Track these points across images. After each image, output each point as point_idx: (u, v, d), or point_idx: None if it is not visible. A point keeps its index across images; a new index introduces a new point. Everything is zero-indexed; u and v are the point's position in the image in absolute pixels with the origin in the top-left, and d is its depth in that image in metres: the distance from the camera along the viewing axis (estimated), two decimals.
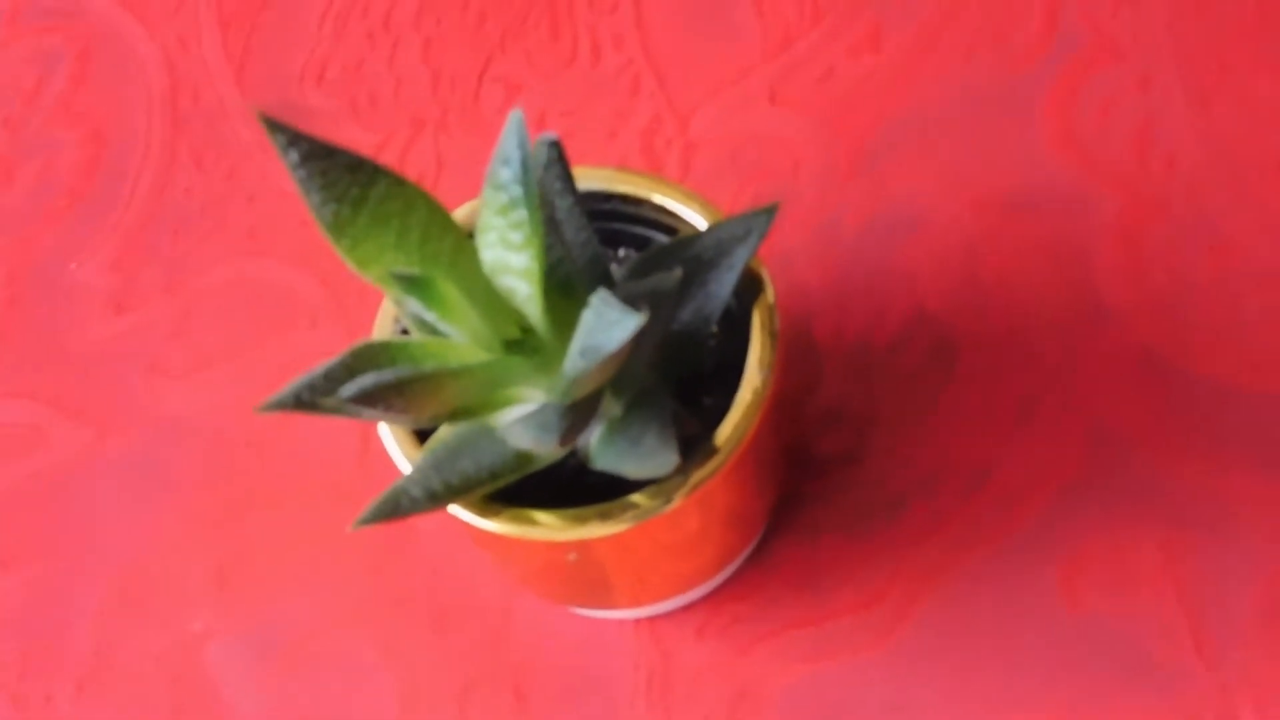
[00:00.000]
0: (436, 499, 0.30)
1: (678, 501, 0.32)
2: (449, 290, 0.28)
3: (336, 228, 0.28)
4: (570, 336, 0.29)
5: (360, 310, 0.44)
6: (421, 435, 0.33)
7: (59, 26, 0.50)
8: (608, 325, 0.25)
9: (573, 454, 0.33)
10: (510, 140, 0.26)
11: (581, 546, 0.32)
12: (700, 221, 0.34)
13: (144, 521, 0.42)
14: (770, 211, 0.32)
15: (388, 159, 0.46)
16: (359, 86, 0.47)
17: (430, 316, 0.28)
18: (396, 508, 0.30)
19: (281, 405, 0.27)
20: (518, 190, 0.26)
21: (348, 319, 0.44)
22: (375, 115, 0.47)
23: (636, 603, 0.37)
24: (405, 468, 0.33)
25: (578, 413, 0.29)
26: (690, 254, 0.32)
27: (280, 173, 0.46)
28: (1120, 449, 0.38)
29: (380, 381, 0.25)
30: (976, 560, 0.38)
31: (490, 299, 0.29)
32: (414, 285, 0.27)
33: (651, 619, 0.39)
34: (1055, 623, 0.37)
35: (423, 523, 0.41)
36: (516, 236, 0.27)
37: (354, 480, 0.42)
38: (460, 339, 0.29)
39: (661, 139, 0.44)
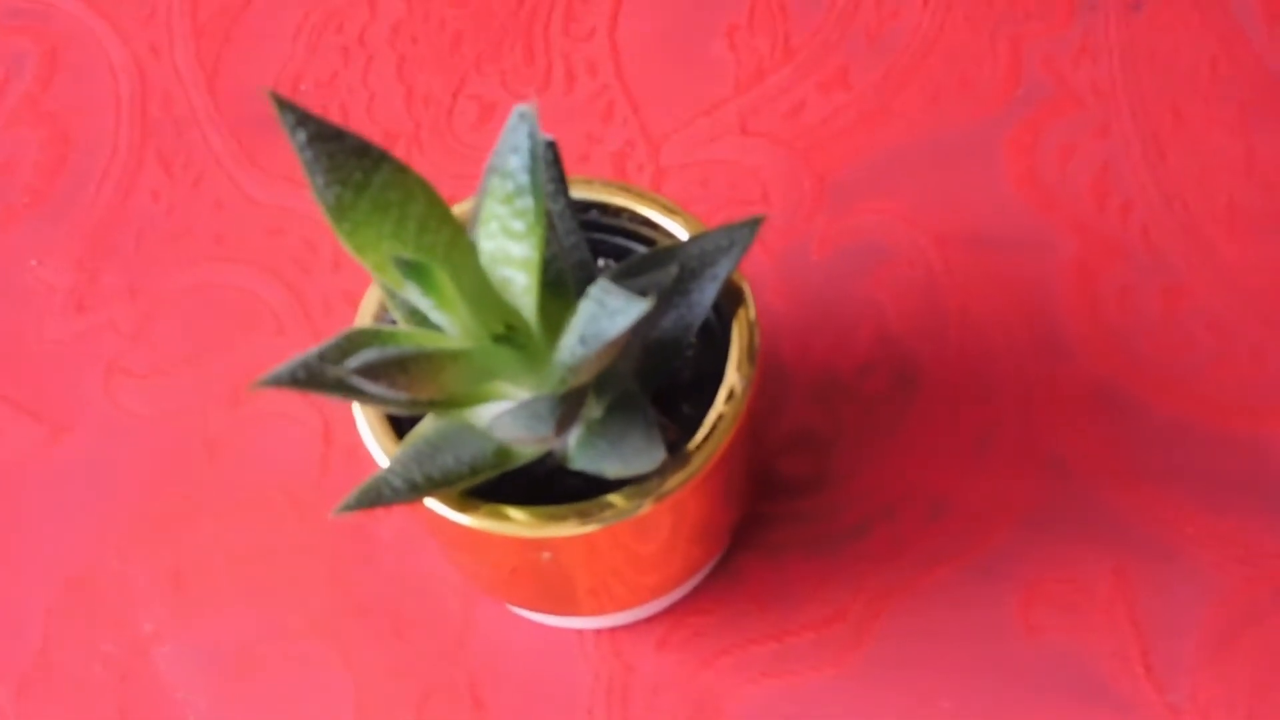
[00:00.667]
0: (417, 490, 0.31)
1: (651, 504, 0.32)
2: (444, 280, 0.28)
3: (338, 210, 0.28)
4: (559, 332, 0.30)
5: (326, 319, 0.44)
6: (398, 430, 0.33)
7: (28, 27, 0.50)
8: (611, 313, 0.26)
9: (548, 455, 0.33)
10: (519, 131, 0.26)
11: (554, 546, 0.33)
12: (681, 234, 0.35)
13: (97, 521, 0.42)
14: (754, 224, 0.32)
15: None
16: (332, 100, 0.47)
17: (426, 304, 0.28)
18: (378, 496, 0.30)
19: (278, 381, 0.27)
20: (524, 179, 0.27)
21: (314, 326, 0.44)
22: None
23: (600, 610, 0.37)
24: (381, 459, 0.33)
25: (569, 404, 0.29)
26: (674, 262, 0.33)
27: (249, 181, 0.47)
28: (1076, 479, 0.39)
29: (385, 357, 0.25)
30: (936, 584, 0.38)
31: (482, 292, 0.29)
32: (414, 272, 0.27)
33: (612, 630, 0.39)
34: (1012, 646, 0.38)
35: (384, 531, 0.41)
36: (519, 225, 0.27)
37: (314, 488, 0.41)
38: (450, 330, 0.29)
39: (633, 163, 0.45)
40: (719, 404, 0.33)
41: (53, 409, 0.43)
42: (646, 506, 0.32)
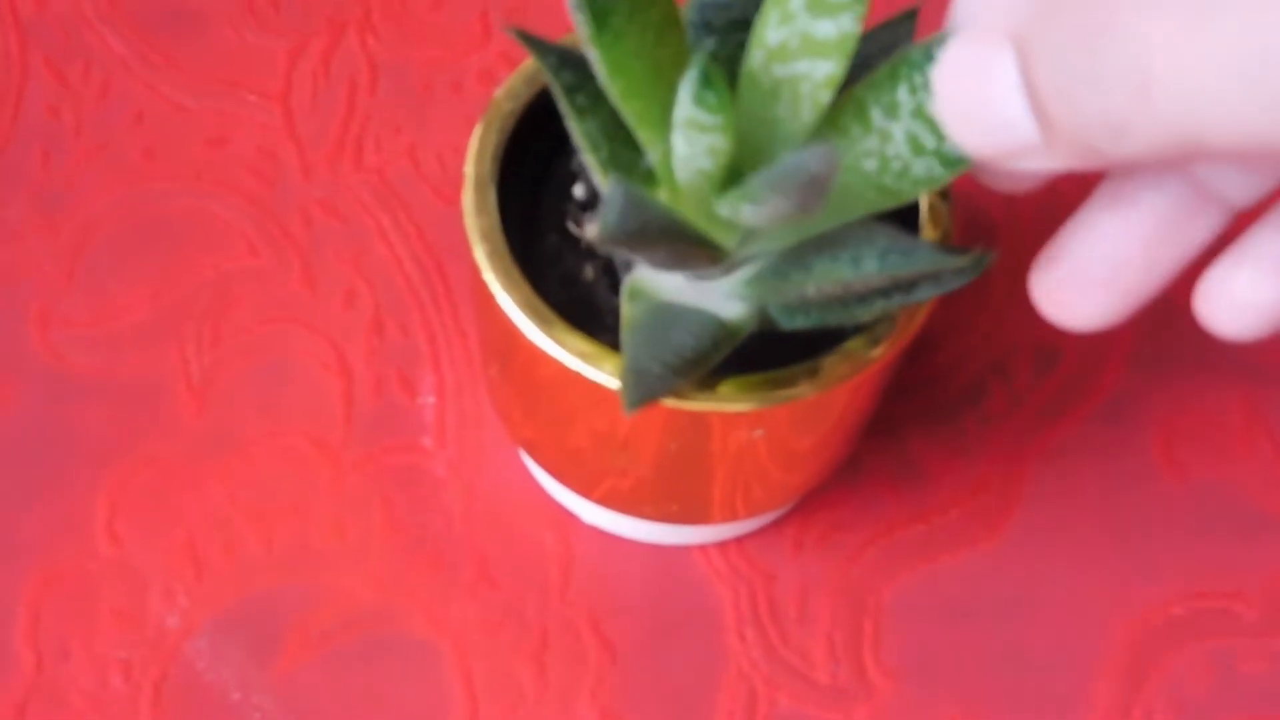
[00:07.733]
0: (678, 374, 0.26)
1: (889, 346, 0.27)
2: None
3: (600, 18, 0.22)
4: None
5: (308, 232, 0.37)
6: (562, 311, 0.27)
7: None
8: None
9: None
10: None
11: (773, 417, 0.28)
12: None
13: (67, 502, 0.33)
14: (911, 15, 0.28)
15: (308, 68, 0.39)
16: None
17: (713, 121, 0.22)
18: (650, 390, 0.25)
19: (608, 233, 0.21)
20: None
21: (295, 242, 0.36)
22: (280, 19, 0.40)
23: (731, 517, 0.32)
24: (536, 336, 0.27)
25: None
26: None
27: (170, 86, 0.38)
28: (1179, 313, 0.37)
29: (810, 167, 0.20)
30: (1069, 436, 0.36)
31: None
32: (714, 82, 0.22)
33: (738, 540, 0.34)
34: (1161, 488, 0.35)
35: (436, 467, 0.34)
36: None
37: (342, 428, 0.34)
38: (710, 163, 0.24)
39: None
40: (926, 232, 0.28)
41: None
42: (884, 349, 0.27)
